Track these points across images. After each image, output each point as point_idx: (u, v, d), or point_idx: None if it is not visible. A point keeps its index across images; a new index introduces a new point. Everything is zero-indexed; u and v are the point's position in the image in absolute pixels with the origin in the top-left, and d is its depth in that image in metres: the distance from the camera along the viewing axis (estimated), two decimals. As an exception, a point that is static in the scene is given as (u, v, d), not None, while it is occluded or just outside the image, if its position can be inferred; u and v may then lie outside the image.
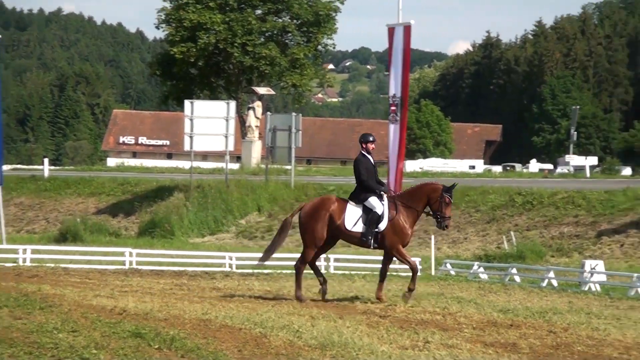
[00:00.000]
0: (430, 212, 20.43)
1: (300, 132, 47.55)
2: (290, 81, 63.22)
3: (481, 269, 30.67)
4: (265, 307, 19.37)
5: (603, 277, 27.40)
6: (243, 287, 24.39)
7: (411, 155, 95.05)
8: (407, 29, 30.55)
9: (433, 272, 31.44)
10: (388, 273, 21.12)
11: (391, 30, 30.99)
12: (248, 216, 47.32)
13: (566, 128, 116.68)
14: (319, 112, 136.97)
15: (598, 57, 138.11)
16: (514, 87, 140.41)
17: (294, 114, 48.62)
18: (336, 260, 31.92)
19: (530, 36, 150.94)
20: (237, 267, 30.99)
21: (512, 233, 40.69)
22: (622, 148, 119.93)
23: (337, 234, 20.45)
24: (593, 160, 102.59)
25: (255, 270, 29.23)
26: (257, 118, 59.14)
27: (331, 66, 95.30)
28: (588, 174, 77.80)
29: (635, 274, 26.31)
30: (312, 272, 21.07)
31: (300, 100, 66.40)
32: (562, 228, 40.55)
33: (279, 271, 29.54)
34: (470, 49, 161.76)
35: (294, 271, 20.97)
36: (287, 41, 64.70)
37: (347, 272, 30.26)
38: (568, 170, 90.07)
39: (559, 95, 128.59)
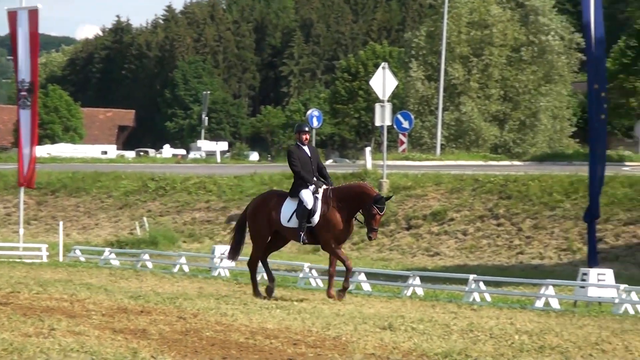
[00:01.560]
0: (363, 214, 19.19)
1: None
2: None
3: (112, 255, 30.24)
4: None
5: (232, 263, 25.61)
6: None
7: (39, 141, 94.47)
8: (33, 12, 30.44)
9: (61, 259, 30.91)
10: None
11: (12, 15, 30.72)
12: None
13: (198, 113, 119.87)
14: None
15: (227, 42, 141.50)
16: (147, 72, 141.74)
17: None
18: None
19: (161, 21, 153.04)
20: None
21: (144, 219, 40.68)
22: (250, 134, 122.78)
23: (278, 229, 19.77)
24: (224, 145, 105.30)
25: None
26: None
27: None
28: (219, 159, 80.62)
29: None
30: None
31: None
32: (194, 214, 40.77)
33: None
34: (100, 33, 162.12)
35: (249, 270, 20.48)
36: None
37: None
38: (200, 155, 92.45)
39: (191, 80, 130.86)
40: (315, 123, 63.96)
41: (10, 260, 29.38)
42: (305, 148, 19.22)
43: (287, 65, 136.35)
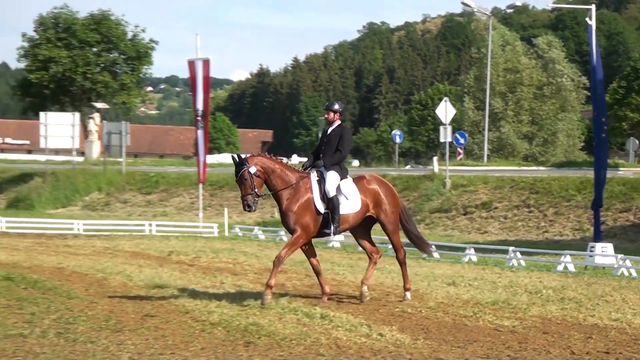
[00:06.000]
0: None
1: (128, 134, 46.59)
2: (120, 99, 62.55)
3: (260, 232, 29.90)
4: (104, 259, 19.06)
5: (342, 237, 25.07)
6: (88, 244, 23.67)
7: (209, 151, 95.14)
8: (206, 62, 30.55)
9: (227, 234, 30.84)
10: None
11: (192, 63, 30.84)
12: (91, 194, 45.63)
13: (316, 133, 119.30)
14: (142, 120, 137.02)
15: (335, 82, 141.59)
16: (280, 104, 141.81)
17: (123, 122, 47.94)
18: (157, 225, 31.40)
19: (290, 68, 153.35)
20: (84, 230, 29.74)
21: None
22: (352, 147, 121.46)
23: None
24: None
25: (97, 232, 28.59)
26: (97, 125, 58.30)
27: (150, 88, 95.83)
28: None
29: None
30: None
31: (128, 112, 66.04)
32: None
33: (115, 233, 28.86)
34: (249, 76, 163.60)
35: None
36: (117, 70, 63.41)
37: (165, 233, 29.77)
38: None
39: (311, 110, 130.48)
40: (397, 139, 64.64)
41: (193, 235, 29.81)
42: (329, 128, 13.12)
43: (377, 99, 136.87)
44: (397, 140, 65.07)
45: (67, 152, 45.79)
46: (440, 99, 41.07)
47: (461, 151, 56.08)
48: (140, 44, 62.68)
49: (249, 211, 12.39)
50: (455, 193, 36.05)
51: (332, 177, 12.58)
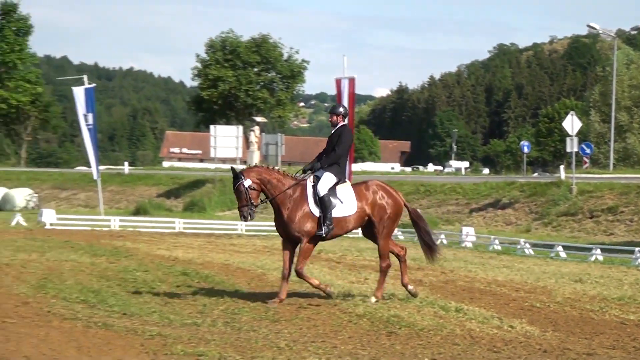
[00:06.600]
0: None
1: (283, 145, 46.72)
2: (276, 114, 63.02)
3: (399, 233, 27.90)
4: (264, 256, 19.07)
5: (473, 238, 26.70)
6: (249, 243, 23.61)
7: (354, 160, 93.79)
8: (352, 80, 29.99)
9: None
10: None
11: (338, 81, 30.39)
12: (255, 198, 46.13)
13: (449, 144, 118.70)
14: (295, 132, 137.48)
15: (467, 98, 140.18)
16: (417, 117, 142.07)
17: (279, 134, 48.10)
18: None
19: (426, 85, 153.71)
20: (246, 231, 29.43)
21: (418, 210, 38.89)
22: (482, 156, 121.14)
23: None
24: (466, 164, 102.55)
25: (257, 233, 28.38)
26: (257, 137, 57.46)
27: (302, 103, 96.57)
28: (463, 173, 76.88)
29: (492, 236, 26.20)
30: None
31: (283, 125, 67.13)
32: (448, 207, 39.28)
33: (271, 233, 28.23)
34: (389, 92, 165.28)
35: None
36: (274, 88, 63.88)
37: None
38: (451, 170, 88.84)
39: (445, 123, 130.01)
40: (525, 149, 63.68)
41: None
42: (333, 130, 12.05)
43: (506, 112, 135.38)
44: (525, 150, 64.43)
45: (232, 161, 47.01)
46: (567, 113, 39.94)
47: (587, 160, 54.35)
48: (294, 64, 63.81)
49: (245, 221, 11.74)
50: (582, 198, 34.91)
51: (326, 178, 11.67)
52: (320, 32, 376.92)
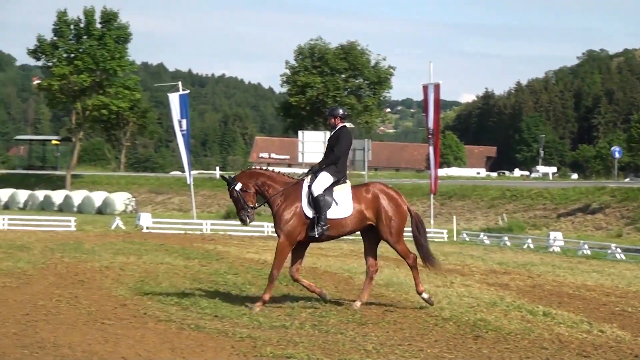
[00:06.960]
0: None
1: (370, 150, 45.10)
2: (363, 119, 63.12)
3: (485, 237, 29.09)
4: (350, 260, 18.98)
5: (561, 243, 26.55)
6: (336, 247, 23.23)
7: (440, 165, 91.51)
8: (437, 86, 30.32)
9: (455, 239, 30.17)
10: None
11: (425, 87, 30.81)
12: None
13: (536, 149, 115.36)
14: (381, 138, 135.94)
15: (555, 104, 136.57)
16: (503, 123, 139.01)
17: (366, 139, 46.77)
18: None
19: (513, 91, 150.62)
20: None
21: (504, 215, 39.17)
22: (571, 161, 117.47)
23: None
24: (553, 169, 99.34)
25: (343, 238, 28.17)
26: None
27: (388, 109, 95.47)
28: (551, 178, 75.52)
29: (582, 241, 25.86)
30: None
31: (370, 131, 67.30)
32: (535, 211, 38.81)
33: (357, 237, 28.13)
34: (475, 98, 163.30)
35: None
36: (361, 94, 64.19)
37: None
38: (538, 175, 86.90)
39: (532, 129, 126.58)
40: (617, 155, 62.26)
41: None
42: (333, 132, 11.70)
43: (596, 118, 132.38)
44: (617, 155, 63.05)
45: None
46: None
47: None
48: (381, 70, 64.30)
49: (244, 225, 11.53)
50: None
51: (322, 178, 11.28)
52: (407, 38, 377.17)
